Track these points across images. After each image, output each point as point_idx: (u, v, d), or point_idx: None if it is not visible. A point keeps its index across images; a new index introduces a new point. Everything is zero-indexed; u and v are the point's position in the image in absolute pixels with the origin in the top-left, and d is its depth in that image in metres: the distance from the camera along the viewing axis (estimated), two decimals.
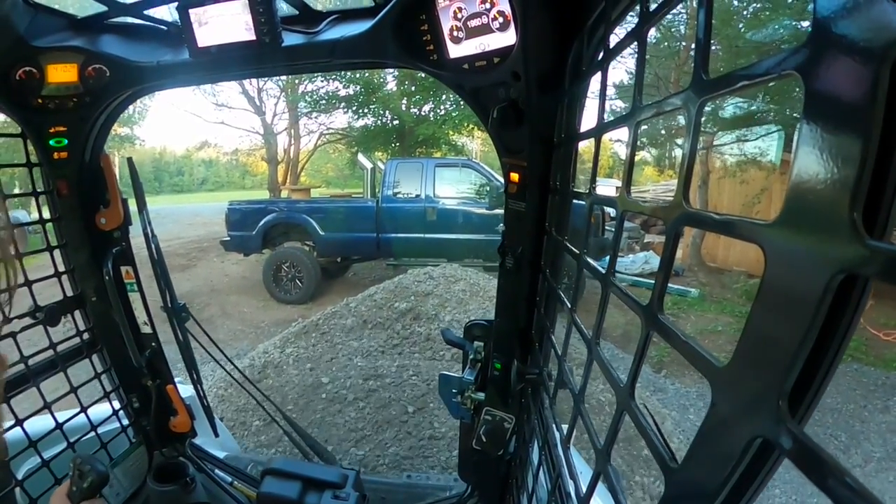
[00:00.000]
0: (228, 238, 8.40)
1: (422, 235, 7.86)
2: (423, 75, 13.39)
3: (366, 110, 14.86)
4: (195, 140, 21.82)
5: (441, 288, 4.84)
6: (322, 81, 14.85)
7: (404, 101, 14.79)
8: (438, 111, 14.85)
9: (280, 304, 7.98)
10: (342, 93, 14.90)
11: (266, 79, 15.42)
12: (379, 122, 15.02)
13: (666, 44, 9.45)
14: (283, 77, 15.09)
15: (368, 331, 4.38)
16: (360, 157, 11.47)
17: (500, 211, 7.61)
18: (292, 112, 16.28)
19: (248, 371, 4.08)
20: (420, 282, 4.96)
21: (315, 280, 8.06)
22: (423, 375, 3.69)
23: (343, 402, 3.53)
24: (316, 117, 16.51)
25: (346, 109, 15.26)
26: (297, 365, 4.04)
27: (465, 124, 14.28)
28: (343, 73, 13.70)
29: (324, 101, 15.30)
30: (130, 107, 18.52)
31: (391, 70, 14.02)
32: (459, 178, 8.18)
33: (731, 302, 7.34)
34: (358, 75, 13.86)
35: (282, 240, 8.29)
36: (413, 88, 14.51)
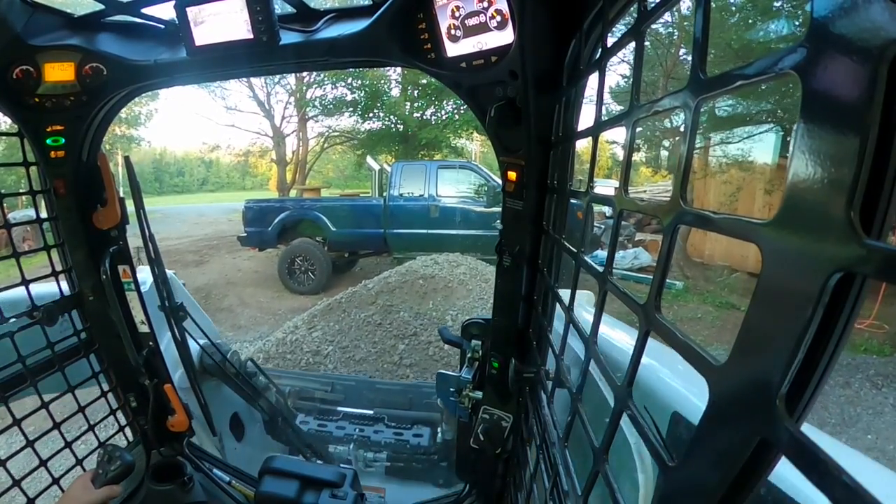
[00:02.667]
0: (245, 234, 9.03)
1: (425, 231, 8.46)
2: (425, 80, 13.89)
3: (371, 115, 15.44)
4: (207, 142, 22.26)
5: (445, 271, 5.66)
6: (331, 87, 15.47)
7: (408, 106, 15.28)
8: (440, 115, 15.41)
9: (293, 295, 8.56)
10: (349, 97, 15.49)
11: (270, 80, 15.97)
12: (384, 125, 15.60)
13: (655, 52, 9.61)
14: (292, 81, 15.83)
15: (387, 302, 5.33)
16: (369, 160, 12.13)
17: (497, 209, 8.05)
18: (301, 115, 16.81)
19: (278, 345, 4.92)
20: (427, 266, 5.79)
21: (326, 272, 8.65)
22: (427, 317, 5.05)
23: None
24: (322, 121, 17.15)
25: (351, 113, 15.86)
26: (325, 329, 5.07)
27: (466, 128, 14.90)
28: (349, 79, 14.33)
29: (331, 106, 15.83)
30: (138, 109, 18.85)
31: (395, 76, 14.72)
32: (459, 178, 8.77)
33: (713, 294, 7.84)
34: (363, 81, 14.45)
35: (295, 235, 8.87)
36: (416, 94, 15.05)
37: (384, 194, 9.04)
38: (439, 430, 2.62)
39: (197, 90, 19.55)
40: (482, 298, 5.30)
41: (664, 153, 13.21)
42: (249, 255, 10.56)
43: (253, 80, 15.73)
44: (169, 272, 2.18)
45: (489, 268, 5.90)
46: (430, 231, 8.45)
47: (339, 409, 2.83)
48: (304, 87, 15.76)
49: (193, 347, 2.23)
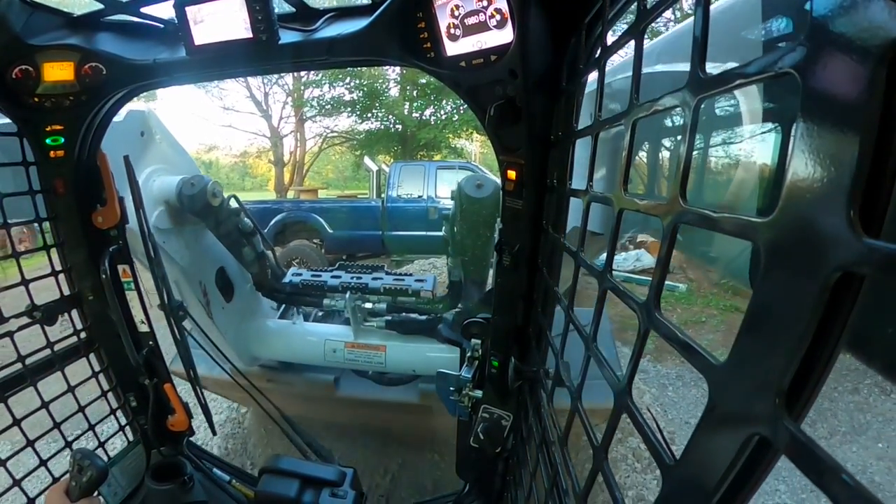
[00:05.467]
0: None
1: (424, 233, 8.19)
2: (424, 80, 13.83)
3: (369, 115, 15.50)
4: (203, 143, 22.32)
5: (444, 276, 5.36)
6: (328, 87, 15.47)
7: (406, 105, 15.35)
8: (439, 115, 15.45)
9: None
10: (347, 97, 15.53)
11: (267, 80, 16.03)
12: (382, 126, 15.67)
13: None
14: (289, 81, 15.88)
15: None
16: (367, 160, 11.96)
17: None
18: (298, 116, 16.84)
19: None
20: (425, 270, 5.64)
21: None
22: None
23: None
24: (320, 121, 17.22)
25: (350, 114, 15.91)
26: None
27: (465, 128, 15.01)
28: (347, 79, 14.39)
29: (329, 106, 15.86)
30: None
31: (394, 75, 14.80)
32: (459, 179, 8.33)
33: (717, 297, 7.75)
34: (361, 81, 14.51)
35: (291, 238, 8.58)
36: (415, 93, 15.13)
37: (382, 195, 8.89)
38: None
39: (194, 90, 19.65)
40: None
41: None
42: None
43: (250, 79, 15.78)
44: (144, 106, 2.07)
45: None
46: (429, 233, 8.17)
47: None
48: (302, 88, 15.77)
49: (170, 182, 2.09)
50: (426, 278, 2.43)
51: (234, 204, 2.27)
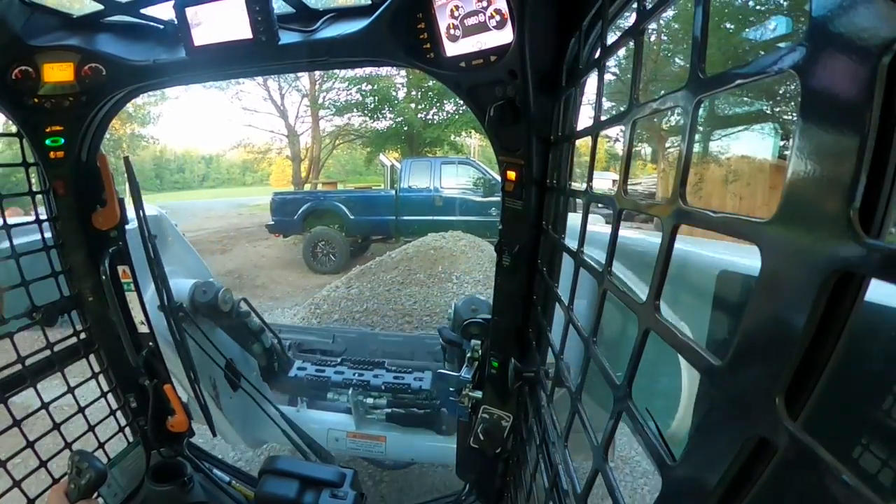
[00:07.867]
0: (273, 222, 10.42)
1: (430, 218, 9.70)
2: (429, 83, 14.32)
3: (378, 115, 16.59)
4: (224, 142, 23.51)
5: (451, 244, 7.53)
6: (345, 92, 16.80)
7: (412, 106, 16.26)
8: (442, 116, 16.45)
9: (316, 275, 9.78)
10: (359, 100, 16.61)
11: (284, 83, 17.38)
12: (391, 125, 16.69)
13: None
14: (306, 84, 17.23)
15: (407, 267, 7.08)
16: (382, 157, 13.68)
17: (491, 199, 8.86)
18: (314, 116, 18.16)
19: (324, 299, 6.29)
20: (437, 240, 7.65)
21: (345, 255, 9.99)
22: (437, 277, 6.69)
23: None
24: (331, 120, 18.50)
25: (361, 114, 17.10)
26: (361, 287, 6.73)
27: (465, 128, 16.02)
28: (363, 84, 15.61)
29: (342, 107, 17.03)
30: (149, 108, 19.55)
31: (401, 80, 15.83)
32: (459, 172, 10.13)
33: None
34: (375, 86, 15.68)
35: (316, 223, 10.16)
36: (419, 95, 16.23)
37: (395, 186, 10.30)
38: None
39: (213, 92, 20.40)
40: (479, 263, 6.85)
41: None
42: (269, 243, 11.87)
43: (269, 83, 17.07)
44: (155, 209, 2.20)
45: (484, 242, 7.71)
46: (434, 217, 9.58)
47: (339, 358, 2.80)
48: (318, 93, 16.96)
49: (185, 284, 2.22)
50: (424, 376, 2.58)
51: (244, 307, 2.40)
